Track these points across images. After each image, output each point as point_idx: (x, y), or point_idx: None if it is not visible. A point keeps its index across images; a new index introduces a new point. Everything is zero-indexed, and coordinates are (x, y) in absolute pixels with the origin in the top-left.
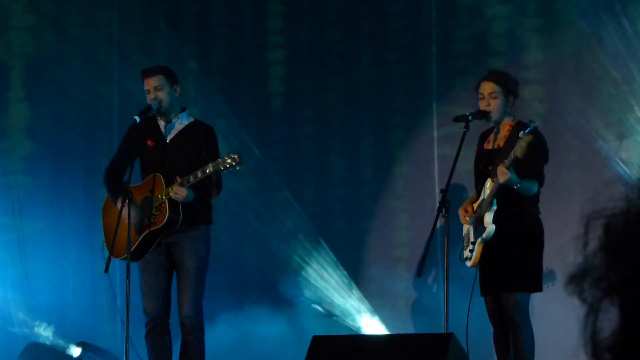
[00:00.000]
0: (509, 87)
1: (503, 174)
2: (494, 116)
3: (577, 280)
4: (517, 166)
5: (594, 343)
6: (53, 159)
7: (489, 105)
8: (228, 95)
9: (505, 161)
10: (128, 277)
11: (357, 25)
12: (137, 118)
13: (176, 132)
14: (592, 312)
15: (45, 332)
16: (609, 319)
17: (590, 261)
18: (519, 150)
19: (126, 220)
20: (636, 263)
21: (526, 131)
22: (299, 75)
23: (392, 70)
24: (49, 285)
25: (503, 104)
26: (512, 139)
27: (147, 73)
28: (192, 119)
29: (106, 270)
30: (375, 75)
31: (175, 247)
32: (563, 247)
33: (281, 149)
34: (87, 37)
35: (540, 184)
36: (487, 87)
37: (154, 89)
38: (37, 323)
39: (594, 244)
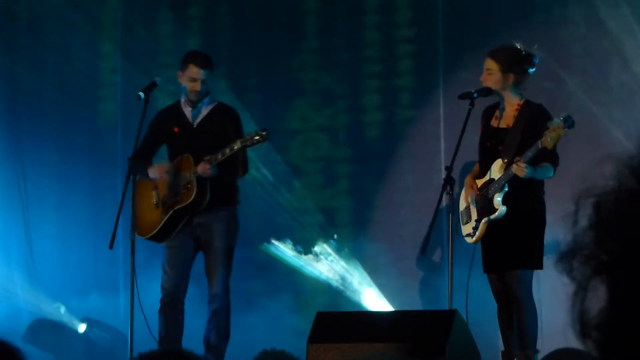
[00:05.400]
0: (509, 64)
1: (521, 170)
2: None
3: (566, 258)
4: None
5: (582, 321)
6: (58, 135)
7: (484, 80)
8: (232, 66)
9: (522, 157)
10: (133, 252)
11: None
12: (141, 94)
13: (202, 116)
14: (581, 290)
15: (50, 309)
16: (598, 298)
17: (580, 239)
18: (550, 142)
19: (152, 200)
20: (626, 242)
21: (560, 123)
22: (304, 37)
23: (400, 45)
24: (54, 262)
25: (499, 81)
26: (522, 119)
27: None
28: (216, 102)
29: (111, 247)
30: (382, 50)
31: (203, 228)
32: (553, 225)
33: (286, 122)
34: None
35: (555, 165)
36: (486, 64)
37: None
38: (42, 299)
39: (584, 222)
